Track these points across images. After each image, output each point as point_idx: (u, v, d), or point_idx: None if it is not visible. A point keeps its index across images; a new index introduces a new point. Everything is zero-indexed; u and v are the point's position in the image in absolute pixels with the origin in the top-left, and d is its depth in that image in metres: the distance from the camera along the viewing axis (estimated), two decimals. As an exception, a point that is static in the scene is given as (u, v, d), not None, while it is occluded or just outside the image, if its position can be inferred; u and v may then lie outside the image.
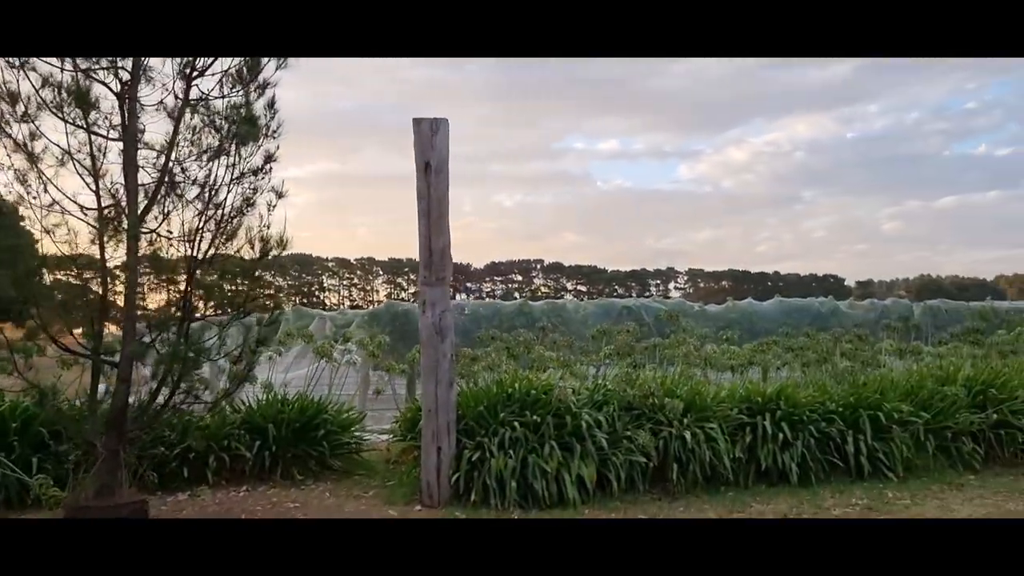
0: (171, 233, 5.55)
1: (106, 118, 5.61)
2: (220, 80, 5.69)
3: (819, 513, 6.02)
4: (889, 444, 6.97)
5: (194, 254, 5.61)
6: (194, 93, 5.72)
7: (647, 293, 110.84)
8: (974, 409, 7.52)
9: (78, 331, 5.62)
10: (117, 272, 5.62)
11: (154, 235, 5.61)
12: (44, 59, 5.34)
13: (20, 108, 5.40)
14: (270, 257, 6.02)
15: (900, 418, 7.12)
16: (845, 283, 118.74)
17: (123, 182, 5.53)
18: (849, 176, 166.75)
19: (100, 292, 5.67)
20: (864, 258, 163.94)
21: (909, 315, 8.38)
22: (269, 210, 5.95)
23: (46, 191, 5.46)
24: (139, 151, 5.56)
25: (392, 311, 12.29)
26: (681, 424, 6.51)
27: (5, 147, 5.42)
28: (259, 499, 6.55)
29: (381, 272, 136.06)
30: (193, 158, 5.64)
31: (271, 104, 5.93)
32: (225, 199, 5.80)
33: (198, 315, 5.83)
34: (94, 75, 5.49)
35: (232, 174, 5.79)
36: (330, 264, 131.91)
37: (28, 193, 5.43)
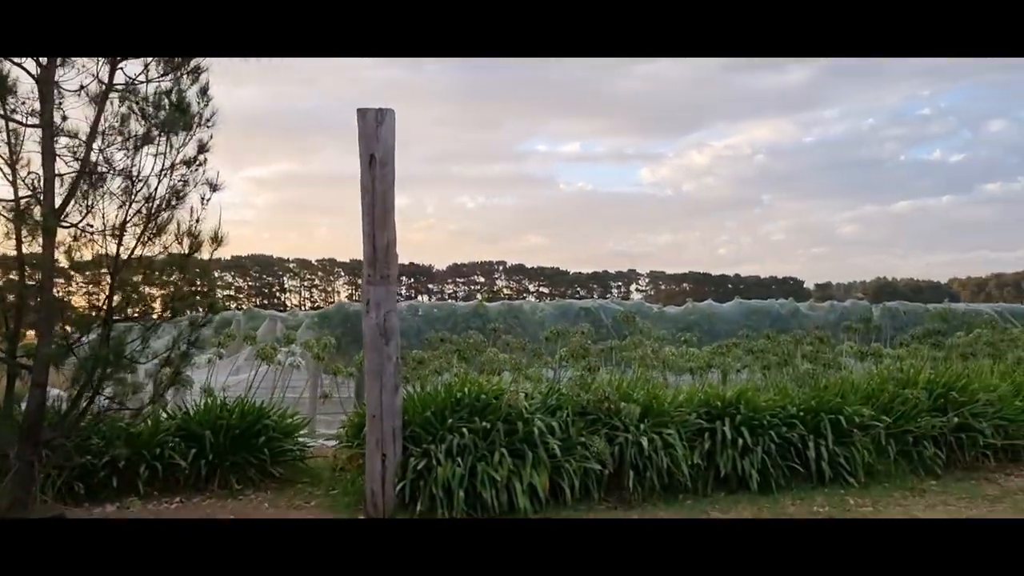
0: (92, 227, 5.16)
1: (23, 103, 5.23)
2: (147, 64, 5.33)
3: (779, 522, 5.82)
4: (850, 449, 6.79)
5: (118, 250, 5.23)
6: (120, 78, 5.36)
7: (608, 295, 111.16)
8: (935, 413, 7.38)
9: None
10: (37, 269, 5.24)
11: (76, 229, 5.23)
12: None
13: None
14: (206, 255, 5.66)
15: (861, 422, 6.95)
16: (804, 285, 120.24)
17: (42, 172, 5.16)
18: (808, 180, 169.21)
19: (17, 291, 5.27)
20: (822, 261, 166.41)
21: (869, 316, 8.22)
22: (203, 203, 5.60)
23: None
24: (60, 139, 5.18)
25: (343, 312, 11.90)
26: (638, 430, 6.26)
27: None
28: (193, 510, 6.18)
29: (343, 273, 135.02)
30: (118, 147, 5.26)
31: (204, 91, 5.58)
32: (155, 192, 5.44)
33: (127, 316, 5.46)
34: (10, 57, 5.11)
35: (162, 164, 5.43)
36: (291, 265, 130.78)
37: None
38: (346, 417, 7.40)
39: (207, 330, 6.42)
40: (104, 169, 5.23)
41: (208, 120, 5.57)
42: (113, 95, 5.29)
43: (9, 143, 5.20)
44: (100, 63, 5.28)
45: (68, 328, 5.17)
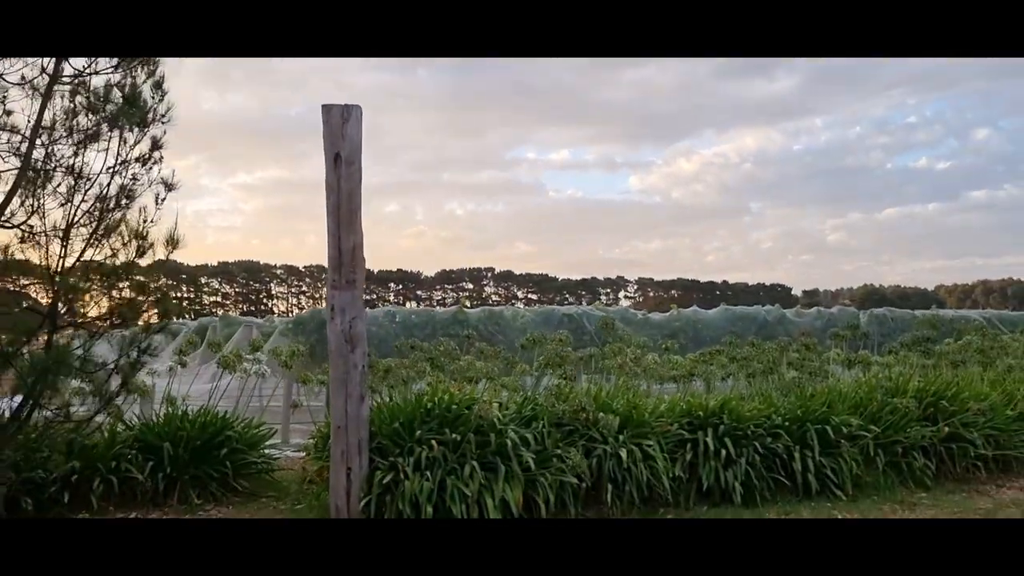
0: (35, 228, 4.86)
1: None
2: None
3: (764, 537, 5.54)
4: (838, 460, 6.54)
5: (64, 253, 4.94)
6: (68, 70, 5.07)
7: (597, 301, 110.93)
8: (925, 422, 7.14)
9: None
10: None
11: (19, 230, 4.93)
12: None
13: None
14: (160, 258, 5.37)
15: (849, 432, 6.70)
16: (792, 292, 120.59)
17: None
18: (795, 188, 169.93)
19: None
20: (810, 268, 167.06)
21: (857, 323, 7.98)
22: (157, 204, 5.31)
23: None
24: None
25: (317, 318, 11.56)
26: (617, 441, 5.99)
27: None
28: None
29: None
30: (64, 143, 4.98)
31: (159, 84, 5.30)
32: (107, 191, 5.16)
33: (75, 322, 5.16)
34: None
35: (114, 162, 5.15)
36: (278, 271, 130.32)
37: None
38: (315, 427, 7.11)
39: (171, 337, 6.13)
40: (49, 166, 4.93)
41: (163, 116, 5.30)
42: (60, 87, 5.00)
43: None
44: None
45: (7, 336, 4.86)
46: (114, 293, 5.17)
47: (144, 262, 5.13)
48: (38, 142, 4.85)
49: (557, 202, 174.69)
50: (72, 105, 4.96)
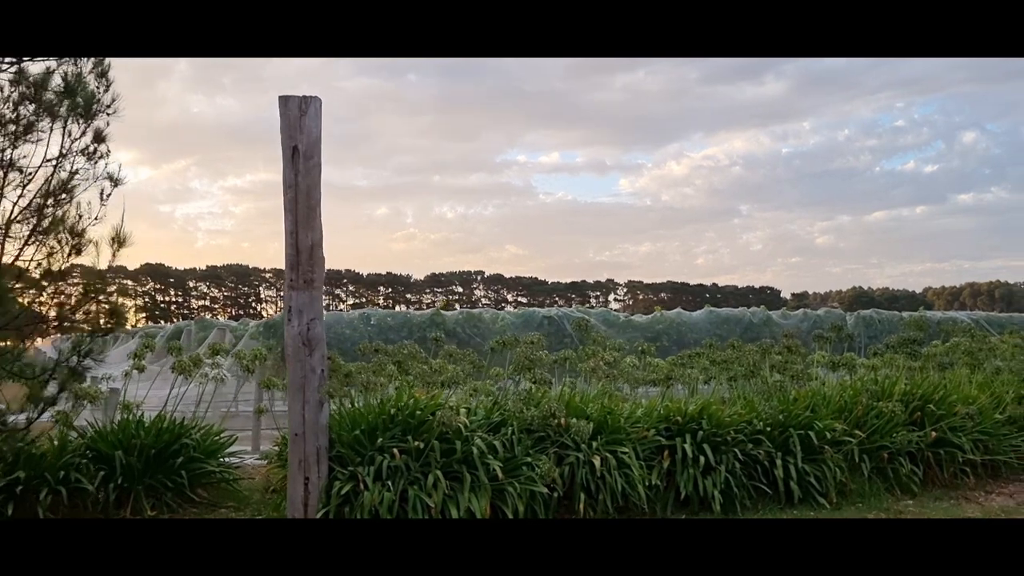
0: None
1: None
2: (34, 41, 4.74)
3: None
4: (821, 467, 6.29)
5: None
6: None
7: (588, 305, 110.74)
8: (911, 427, 6.91)
9: None
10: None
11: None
12: None
13: None
14: (105, 258, 5.07)
15: (833, 437, 6.46)
16: (781, 295, 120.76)
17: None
18: (784, 191, 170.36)
19: None
20: (799, 271, 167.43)
21: (841, 325, 7.73)
22: (102, 200, 5.02)
23: None
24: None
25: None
26: (590, 448, 5.72)
27: None
28: (97, 541, 5.56)
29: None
30: (-1, 134, 4.69)
31: (104, 74, 5.01)
32: (50, 186, 4.87)
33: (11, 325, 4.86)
34: None
35: (57, 154, 4.86)
36: (267, 275, 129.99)
37: None
38: (280, 434, 6.82)
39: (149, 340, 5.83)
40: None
41: (108, 107, 5.00)
42: (-5, 76, 4.71)
43: None
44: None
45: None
46: (52, 294, 4.85)
47: (85, 261, 4.82)
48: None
49: (547, 205, 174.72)
50: (10, 94, 4.68)
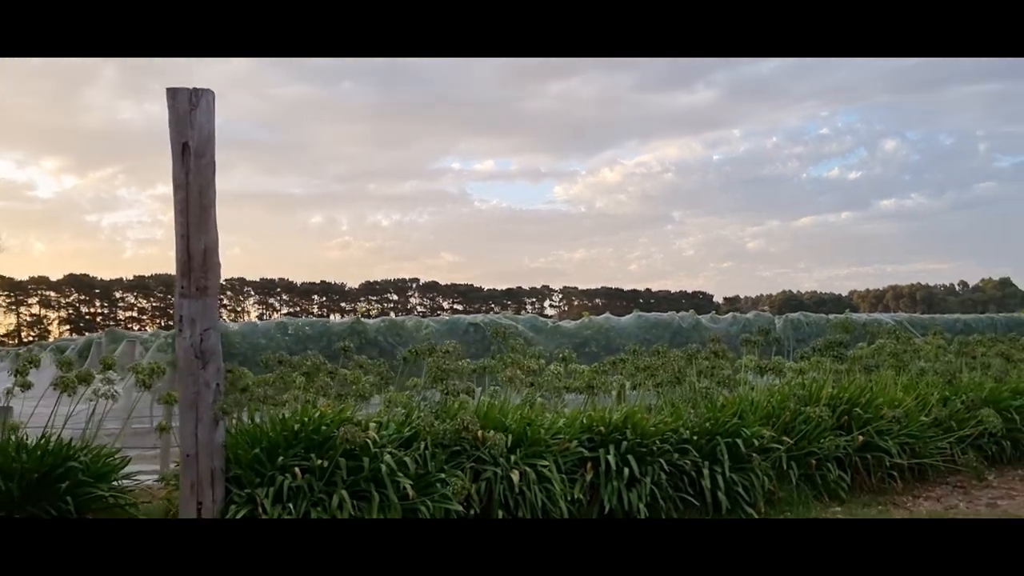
0: None
1: None
2: None
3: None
4: (749, 475, 6.10)
5: None
6: None
7: (523, 311, 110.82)
8: (839, 431, 6.79)
9: None
10: None
11: None
12: None
13: None
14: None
15: (761, 445, 6.28)
16: (713, 299, 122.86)
17: None
18: (716, 197, 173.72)
19: None
20: (731, 275, 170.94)
21: (768, 328, 7.59)
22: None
23: None
24: None
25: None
26: (508, 462, 5.42)
27: None
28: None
29: (252, 292, 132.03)
30: None
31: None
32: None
33: None
34: None
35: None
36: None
37: None
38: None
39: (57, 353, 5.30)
40: None
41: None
42: None
43: None
44: None
45: None
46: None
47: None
48: None
49: (482, 212, 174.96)
50: None
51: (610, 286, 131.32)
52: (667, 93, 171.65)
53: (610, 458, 5.72)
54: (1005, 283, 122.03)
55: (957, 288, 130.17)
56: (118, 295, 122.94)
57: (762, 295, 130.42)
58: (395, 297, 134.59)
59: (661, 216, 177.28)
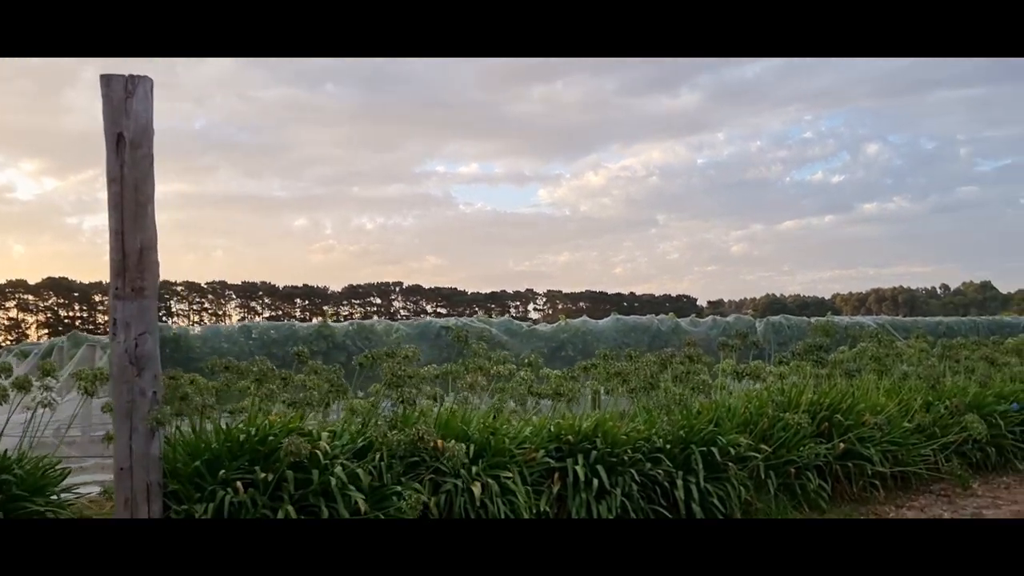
0: None
1: None
2: None
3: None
4: (725, 485, 5.81)
5: None
6: None
7: (507, 315, 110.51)
8: (819, 438, 6.51)
9: None
10: None
11: None
12: None
13: None
14: None
15: (738, 453, 5.99)
16: (697, 303, 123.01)
17: None
18: (700, 200, 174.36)
19: None
20: (715, 279, 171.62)
21: (746, 331, 7.31)
22: None
23: None
24: None
25: (160, 335, 10.30)
26: (469, 473, 5.11)
27: None
28: None
29: (234, 296, 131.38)
30: None
31: None
32: None
33: None
34: None
35: None
36: (179, 288, 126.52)
37: None
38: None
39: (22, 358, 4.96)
40: None
41: None
42: None
43: None
44: None
45: None
46: None
47: None
48: None
49: (467, 216, 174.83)
50: None
51: (594, 290, 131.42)
52: (651, 96, 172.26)
53: (578, 469, 5.42)
54: (986, 286, 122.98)
55: (939, 291, 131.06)
56: (97, 298, 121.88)
57: (746, 299, 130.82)
58: (378, 301, 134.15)
59: (645, 220, 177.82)
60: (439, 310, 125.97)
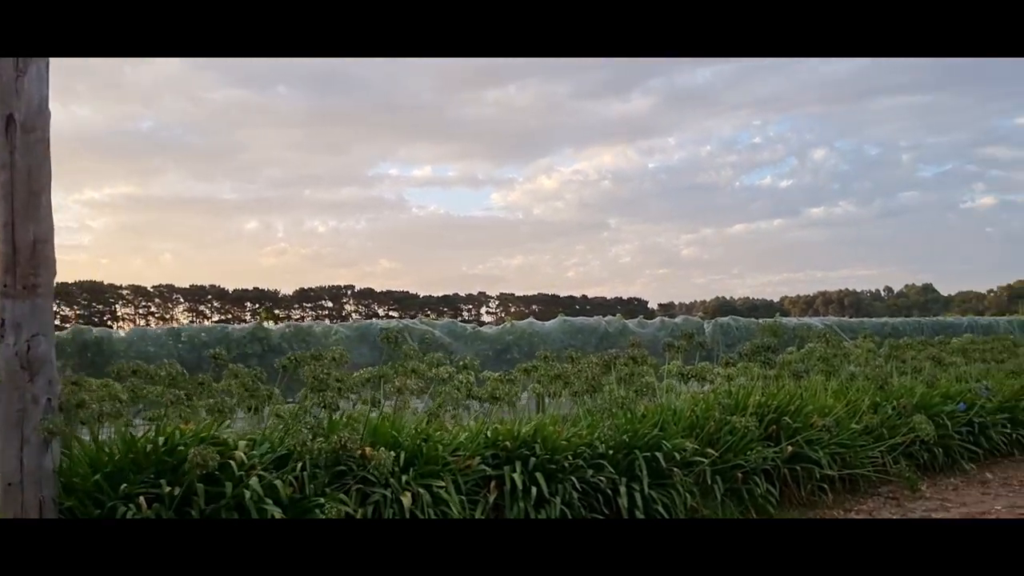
0: None
1: None
2: None
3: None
4: (670, 492, 5.57)
5: None
6: None
7: (459, 318, 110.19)
8: (767, 442, 6.32)
9: None
10: None
11: None
12: None
13: None
14: None
15: (683, 458, 5.76)
16: (648, 305, 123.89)
17: None
18: (651, 204, 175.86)
19: None
20: (666, 282, 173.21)
21: (692, 332, 7.10)
22: None
23: None
24: None
25: (81, 339, 9.74)
26: (399, 483, 4.78)
27: None
28: None
29: (182, 300, 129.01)
30: None
31: None
32: None
33: None
34: None
35: None
36: (124, 292, 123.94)
37: None
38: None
39: None
40: None
41: None
42: None
43: None
44: None
45: None
46: None
47: None
48: None
49: (420, 219, 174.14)
50: None
51: (547, 292, 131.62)
52: (603, 101, 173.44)
53: (516, 476, 5.13)
54: (928, 288, 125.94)
55: (883, 294, 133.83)
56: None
57: (696, 301, 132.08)
58: (330, 304, 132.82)
59: (598, 223, 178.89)
60: (391, 314, 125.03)
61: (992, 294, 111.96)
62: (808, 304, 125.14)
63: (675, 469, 5.65)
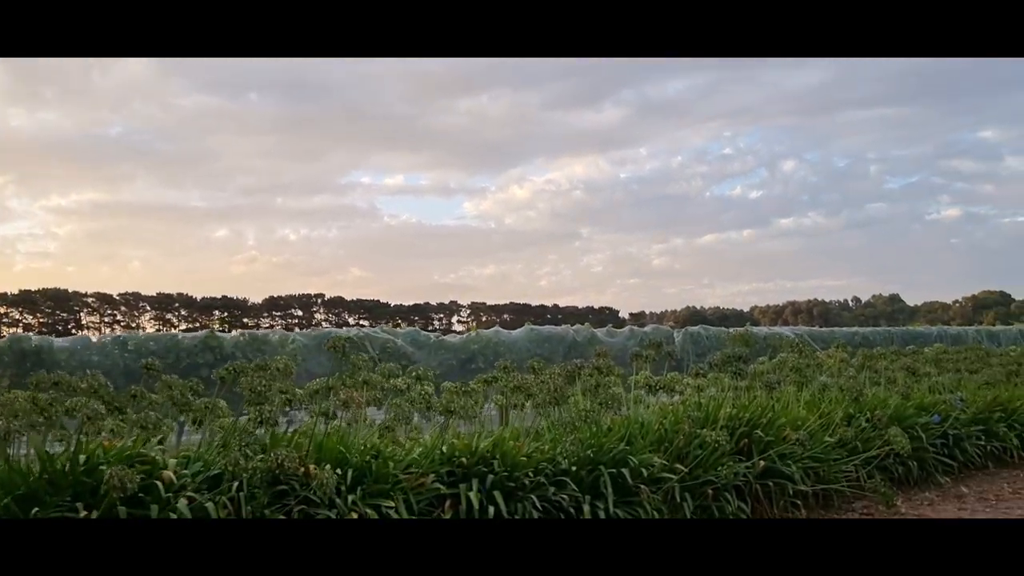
0: None
1: None
2: None
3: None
4: (637, 510, 5.27)
5: None
6: None
7: (431, 327, 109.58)
8: (738, 456, 6.03)
9: None
10: None
11: None
12: None
13: None
14: None
15: (651, 474, 5.46)
16: (620, 315, 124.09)
17: None
18: (623, 214, 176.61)
19: None
20: (637, 291, 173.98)
21: (660, 342, 6.82)
22: None
23: None
24: None
25: (18, 347, 9.26)
26: (346, 503, 4.43)
27: None
28: None
29: (148, 308, 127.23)
30: None
31: None
32: None
33: None
34: None
35: None
36: (90, 300, 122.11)
37: None
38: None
39: None
40: None
41: None
42: None
43: None
44: None
45: None
46: None
47: None
48: None
49: (392, 228, 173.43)
50: None
51: (518, 302, 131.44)
52: (575, 111, 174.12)
53: (472, 496, 4.79)
54: (894, 299, 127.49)
55: (851, 303, 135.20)
56: (2, 311, 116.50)
57: (667, 311, 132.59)
58: (300, 313, 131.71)
59: (569, 233, 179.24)
60: (361, 322, 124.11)
61: (957, 304, 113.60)
62: (777, 314, 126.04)
63: (642, 486, 5.35)
